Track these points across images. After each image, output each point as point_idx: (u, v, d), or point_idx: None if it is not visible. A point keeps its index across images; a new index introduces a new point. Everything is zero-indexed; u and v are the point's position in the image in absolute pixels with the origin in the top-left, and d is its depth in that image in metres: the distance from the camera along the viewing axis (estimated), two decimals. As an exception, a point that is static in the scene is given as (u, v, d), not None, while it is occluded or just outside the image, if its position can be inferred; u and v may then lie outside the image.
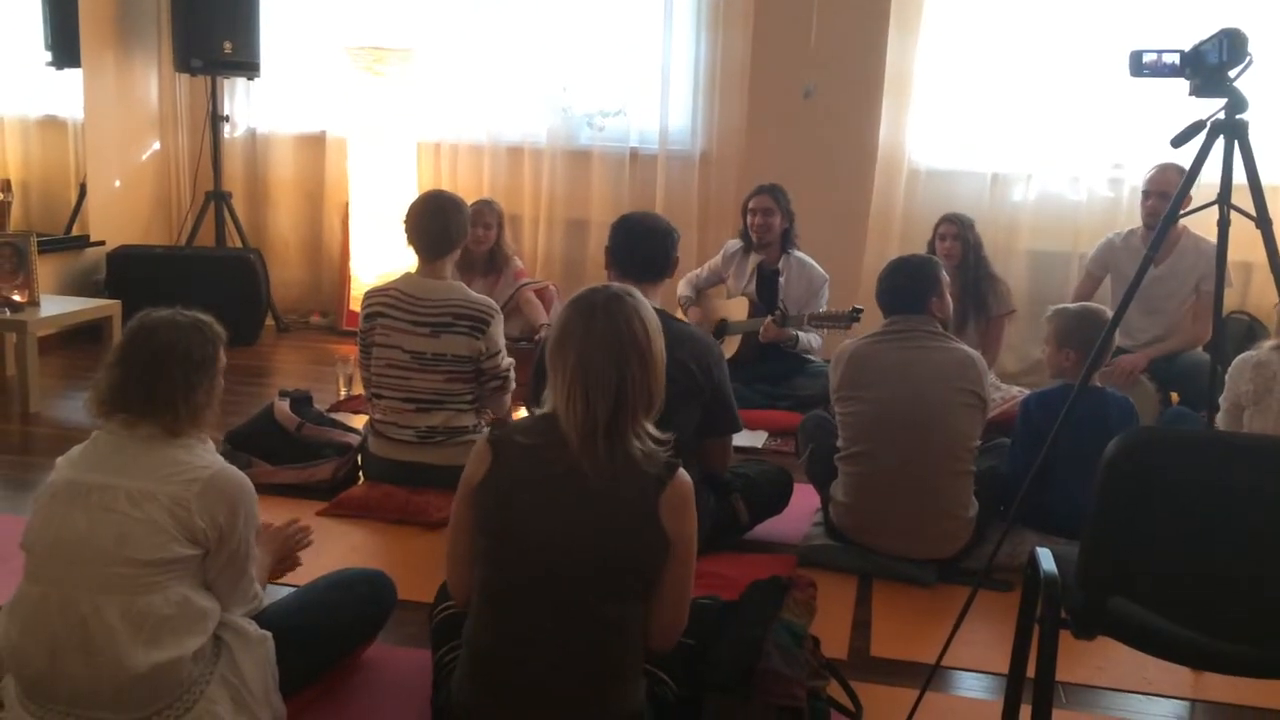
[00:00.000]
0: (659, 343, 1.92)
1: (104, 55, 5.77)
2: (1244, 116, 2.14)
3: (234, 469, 2.00)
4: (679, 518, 1.86)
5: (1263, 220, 2.17)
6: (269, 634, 2.04)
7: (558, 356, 1.89)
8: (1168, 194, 4.25)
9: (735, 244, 4.96)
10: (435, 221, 3.46)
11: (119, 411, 1.96)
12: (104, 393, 1.97)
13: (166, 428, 1.95)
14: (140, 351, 1.97)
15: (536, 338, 4.54)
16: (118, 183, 5.98)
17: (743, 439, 4.13)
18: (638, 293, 1.96)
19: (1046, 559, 1.89)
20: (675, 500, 1.86)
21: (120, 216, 5.96)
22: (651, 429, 1.90)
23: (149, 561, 1.87)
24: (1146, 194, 4.42)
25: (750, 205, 4.81)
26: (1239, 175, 2.17)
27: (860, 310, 4.22)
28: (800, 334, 4.58)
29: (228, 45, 5.67)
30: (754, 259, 4.86)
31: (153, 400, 1.94)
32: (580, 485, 1.83)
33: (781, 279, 4.79)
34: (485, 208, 4.85)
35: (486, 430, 1.95)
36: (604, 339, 1.85)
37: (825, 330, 4.61)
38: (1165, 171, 4.34)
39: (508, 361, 3.52)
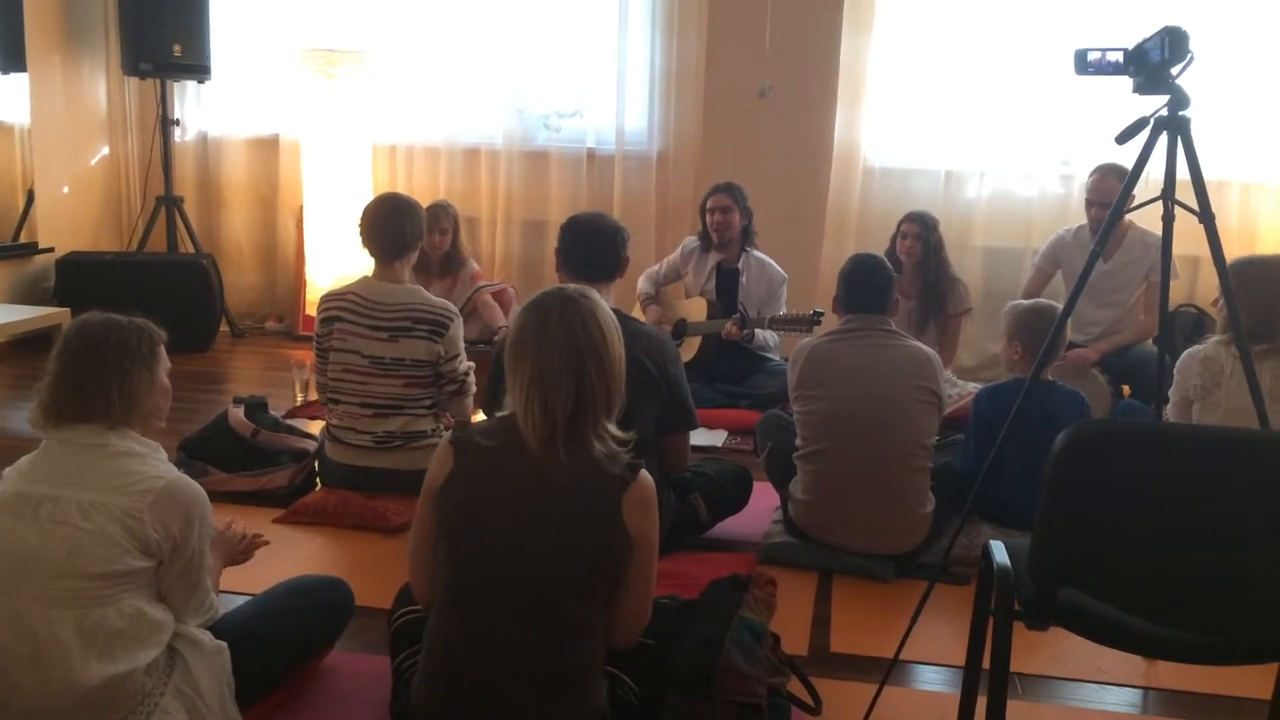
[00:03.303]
0: (617, 344, 1.93)
1: (50, 59, 5.67)
2: (1186, 113, 2.18)
3: (187, 479, 1.98)
4: (642, 518, 1.87)
5: (1205, 215, 2.21)
6: (224, 644, 2.02)
7: (515, 360, 1.89)
8: (1108, 204, 4.32)
9: (694, 241, 4.97)
10: (390, 224, 3.44)
11: (62, 419, 1.94)
12: (44, 397, 1.95)
13: (104, 420, 1.93)
14: (71, 346, 1.96)
15: (495, 340, 4.52)
16: (66, 188, 5.88)
17: (702, 438, 4.14)
18: (594, 294, 1.96)
19: (1000, 551, 1.91)
20: (638, 501, 1.86)
21: (69, 223, 5.86)
22: (614, 429, 1.90)
23: (101, 574, 1.85)
24: (1090, 203, 4.49)
25: (709, 205, 4.83)
26: (1182, 171, 2.21)
27: (821, 313, 4.25)
28: (756, 329, 4.61)
29: (177, 48, 5.60)
30: (713, 258, 4.87)
31: (87, 390, 1.92)
32: (543, 486, 1.84)
33: (742, 279, 4.81)
34: (440, 212, 4.82)
35: (449, 433, 1.94)
36: (560, 342, 1.85)
37: (784, 331, 4.64)
38: (1105, 179, 4.40)
39: (466, 365, 3.50)
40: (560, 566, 1.84)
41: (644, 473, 1.89)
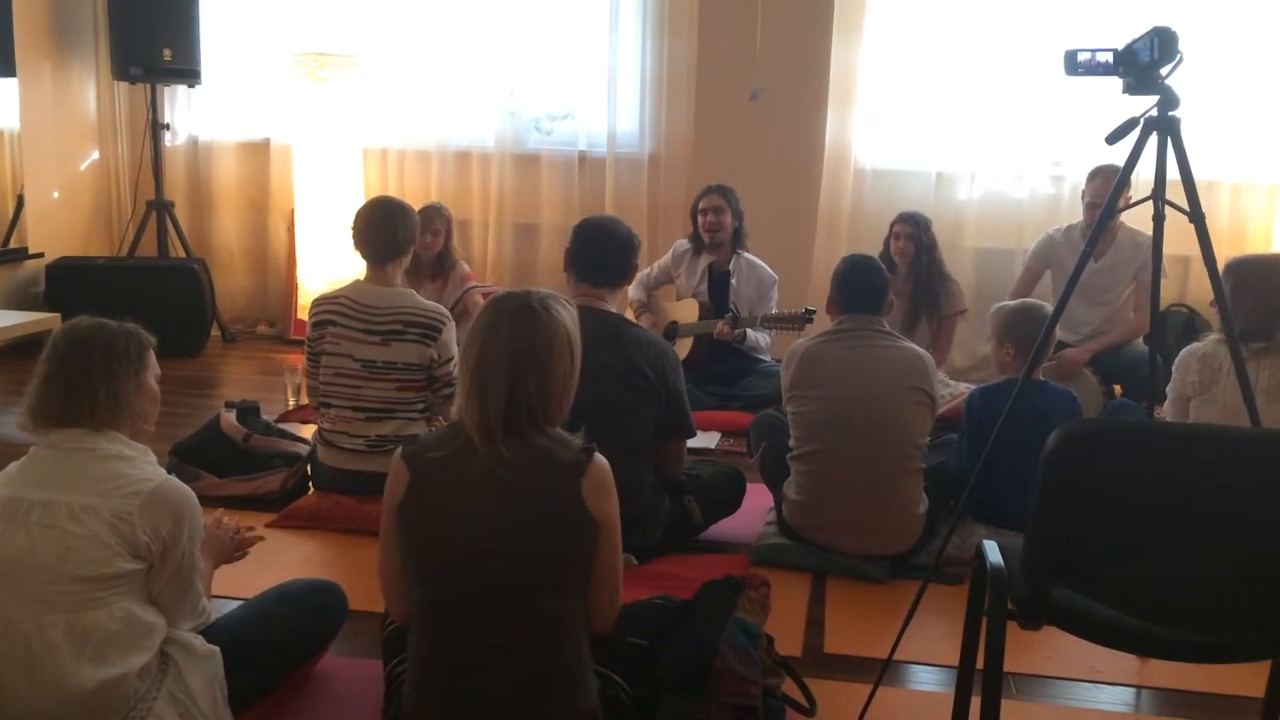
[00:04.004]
0: (564, 359, 1.91)
1: (40, 64, 5.66)
2: (1176, 113, 2.19)
3: (177, 481, 1.98)
4: (602, 499, 1.88)
5: (1196, 215, 2.21)
6: (217, 649, 2.02)
7: (463, 354, 1.92)
8: None
9: (684, 244, 4.98)
10: (383, 227, 3.43)
11: (49, 421, 1.94)
12: (31, 400, 1.95)
13: (90, 422, 1.92)
14: (59, 349, 1.97)
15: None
16: (56, 193, 5.86)
17: (696, 440, 4.13)
18: (560, 306, 1.95)
19: (993, 551, 1.91)
20: (596, 482, 1.87)
21: (59, 228, 5.84)
22: (559, 432, 1.91)
23: (92, 577, 1.84)
24: (1092, 206, 4.48)
25: (701, 205, 4.84)
26: (1173, 171, 2.21)
27: (813, 311, 4.27)
28: (748, 330, 4.61)
29: (167, 52, 5.58)
30: (705, 260, 4.88)
31: (72, 392, 1.92)
32: (499, 485, 1.84)
33: (733, 280, 4.82)
34: (433, 213, 4.82)
35: (399, 449, 1.94)
36: (503, 345, 1.87)
37: (777, 330, 4.65)
38: (1107, 183, 4.40)
39: (459, 368, 3.49)
40: (528, 562, 1.84)
41: (598, 455, 1.90)
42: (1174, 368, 3.12)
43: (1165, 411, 3.14)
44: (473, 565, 1.84)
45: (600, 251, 3.02)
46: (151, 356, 2.05)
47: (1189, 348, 3.11)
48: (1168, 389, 3.12)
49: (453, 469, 1.87)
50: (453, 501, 1.87)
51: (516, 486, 1.84)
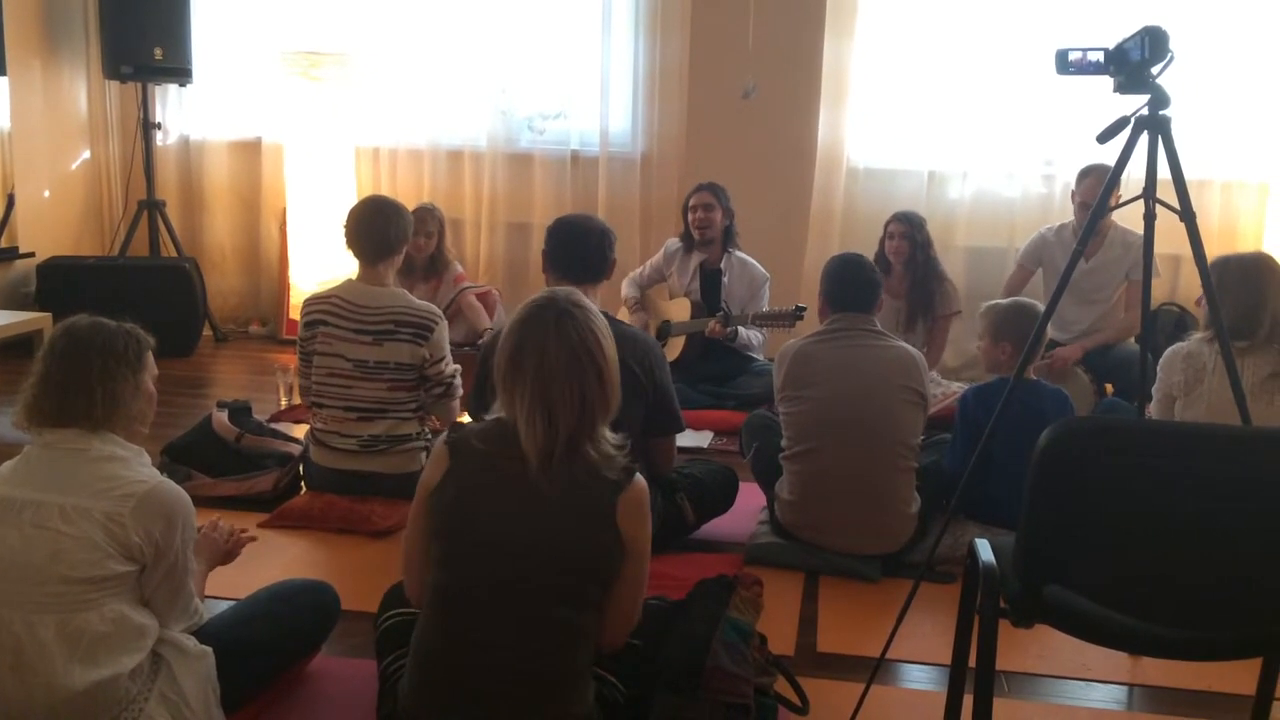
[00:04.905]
0: (613, 350, 1.93)
1: (30, 62, 5.63)
2: (1166, 112, 2.19)
3: (171, 483, 1.97)
4: (635, 521, 1.88)
5: (1186, 214, 2.22)
6: (209, 649, 2.02)
7: (514, 375, 1.88)
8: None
9: (675, 242, 4.99)
10: (376, 226, 3.43)
11: (45, 421, 1.93)
12: (28, 398, 1.95)
13: (86, 422, 1.92)
14: (57, 347, 1.96)
15: (480, 342, 4.51)
16: (47, 193, 5.84)
17: (689, 439, 4.14)
18: (584, 299, 1.96)
19: (985, 550, 1.92)
20: (632, 504, 1.87)
21: (50, 227, 5.82)
22: (609, 434, 1.91)
23: (84, 579, 1.84)
24: (1084, 205, 4.48)
25: (691, 202, 4.85)
26: (1163, 170, 2.22)
27: (803, 308, 4.27)
28: (740, 329, 4.62)
29: (158, 51, 5.57)
30: (696, 258, 4.88)
31: (70, 391, 1.92)
32: (538, 491, 1.84)
33: (725, 279, 4.83)
34: (426, 215, 4.81)
35: (445, 433, 1.94)
36: (562, 357, 1.85)
37: (768, 328, 4.65)
38: (1099, 182, 4.41)
39: (452, 368, 3.49)
40: (552, 570, 1.84)
41: (638, 476, 1.90)
42: (1159, 368, 3.13)
43: (1151, 411, 3.15)
44: (492, 560, 1.85)
45: (578, 249, 3.02)
46: (150, 358, 2.05)
47: (1173, 348, 3.12)
48: (1153, 389, 3.13)
49: (494, 464, 1.87)
50: (486, 495, 1.87)
51: (554, 495, 1.84)
